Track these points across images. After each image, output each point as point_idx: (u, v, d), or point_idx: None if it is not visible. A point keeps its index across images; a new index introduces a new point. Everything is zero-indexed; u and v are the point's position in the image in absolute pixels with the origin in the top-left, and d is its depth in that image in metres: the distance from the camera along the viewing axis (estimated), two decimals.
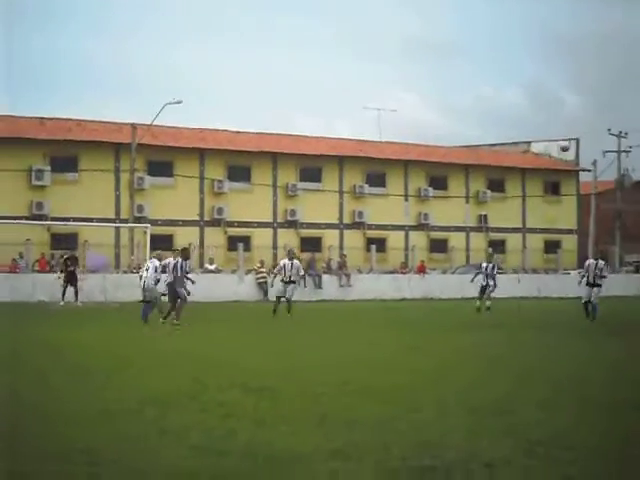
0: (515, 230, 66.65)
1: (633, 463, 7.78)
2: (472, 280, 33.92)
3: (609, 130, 66.75)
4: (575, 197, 70.01)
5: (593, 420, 9.77)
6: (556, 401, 11.08)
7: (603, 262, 27.41)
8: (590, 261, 27.11)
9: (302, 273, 32.35)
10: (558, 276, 55.75)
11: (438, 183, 64.42)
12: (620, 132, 66.57)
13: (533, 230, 67.30)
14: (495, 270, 33.65)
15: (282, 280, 30.34)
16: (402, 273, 51.83)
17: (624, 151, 66.81)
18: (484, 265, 33.73)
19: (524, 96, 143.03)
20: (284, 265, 30.51)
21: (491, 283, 33.09)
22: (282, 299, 30.35)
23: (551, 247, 65.87)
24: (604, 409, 10.53)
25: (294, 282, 30.44)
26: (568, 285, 50.14)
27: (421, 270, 52.90)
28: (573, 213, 70.03)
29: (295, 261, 30.91)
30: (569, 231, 68.87)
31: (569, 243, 67.71)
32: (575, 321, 26.46)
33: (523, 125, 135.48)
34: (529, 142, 73.50)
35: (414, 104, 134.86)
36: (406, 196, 63.33)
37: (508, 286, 42.73)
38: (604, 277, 26.68)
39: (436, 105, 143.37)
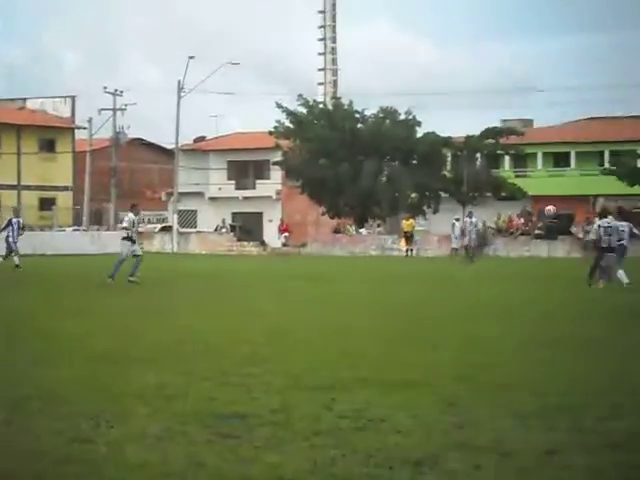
0: (10, 187, 65.90)
1: None
2: (6, 237, 32.62)
3: (105, 88, 67.27)
4: (71, 154, 70.43)
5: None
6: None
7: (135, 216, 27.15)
8: (130, 215, 26.38)
9: None
10: (54, 233, 55.85)
11: None
12: (116, 90, 67.33)
13: (28, 187, 66.94)
14: (20, 227, 32.82)
15: None
16: None
17: (119, 109, 67.71)
18: (15, 220, 32.77)
19: (21, 51, 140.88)
20: None
21: (11, 240, 32.21)
22: None
23: (46, 204, 65.89)
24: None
25: None
26: (64, 242, 50.65)
27: None
28: (69, 170, 70.48)
29: None
30: (65, 188, 69.26)
31: (65, 200, 68.10)
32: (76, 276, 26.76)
33: (19, 81, 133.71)
34: (25, 98, 72.76)
35: None
36: None
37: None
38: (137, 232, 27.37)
39: None
